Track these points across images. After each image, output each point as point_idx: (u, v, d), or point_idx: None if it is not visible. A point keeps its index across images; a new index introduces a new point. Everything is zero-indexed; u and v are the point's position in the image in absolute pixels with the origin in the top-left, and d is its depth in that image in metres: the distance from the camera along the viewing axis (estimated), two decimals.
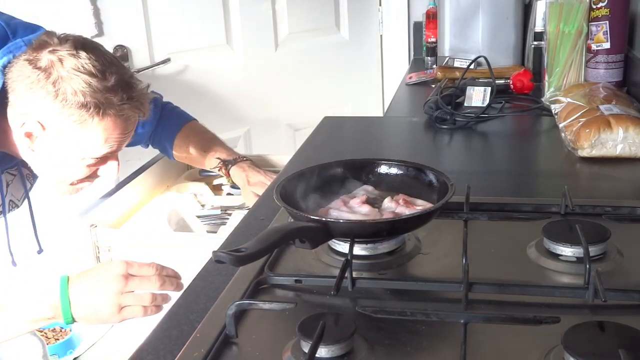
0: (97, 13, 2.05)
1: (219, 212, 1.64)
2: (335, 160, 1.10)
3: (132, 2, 2.15)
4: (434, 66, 2.34)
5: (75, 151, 1.12)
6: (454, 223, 1.01)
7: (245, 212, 1.40)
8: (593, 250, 0.89)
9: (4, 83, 1.10)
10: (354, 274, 0.87)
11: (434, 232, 1.00)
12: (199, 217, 1.62)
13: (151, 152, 1.77)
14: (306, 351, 0.69)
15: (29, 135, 1.11)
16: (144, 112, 1.15)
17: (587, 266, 0.82)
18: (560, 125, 1.51)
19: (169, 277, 1.07)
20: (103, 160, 1.17)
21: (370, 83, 2.96)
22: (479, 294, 0.83)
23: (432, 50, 2.49)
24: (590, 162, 1.38)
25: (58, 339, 1.72)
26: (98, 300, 1.03)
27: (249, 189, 1.56)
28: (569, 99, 1.58)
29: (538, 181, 1.38)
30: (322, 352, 0.70)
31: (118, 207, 1.60)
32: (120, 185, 1.66)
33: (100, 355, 1.67)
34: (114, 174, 1.21)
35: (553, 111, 1.65)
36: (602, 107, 1.45)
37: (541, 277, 0.89)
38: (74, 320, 1.05)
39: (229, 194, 1.73)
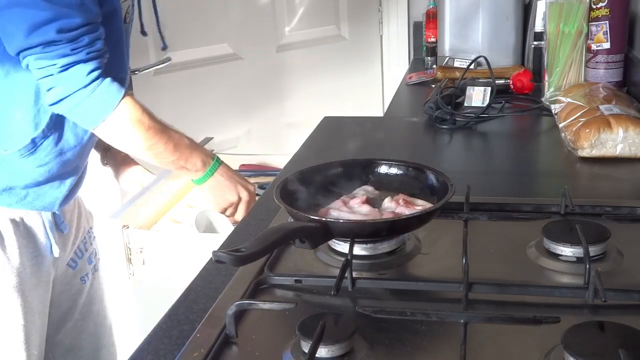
0: None
1: None
2: (335, 160, 1.10)
3: None
4: (434, 66, 2.34)
5: None
6: (454, 223, 1.01)
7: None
8: (593, 250, 0.89)
9: None
10: (354, 274, 0.87)
11: (434, 232, 1.00)
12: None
13: None
14: (306, 351, 0.69)
15: None
16: None
17: (587, 266, 0.82)
18: (560, 125, 1.51)
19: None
20: None
21: (370, 83, 2.96)
22: (479, 294, 0.83)
23: (432, 50, 2.49)
24: (590, 162, 1.38)
25: None
26: (227, 186, 1.36)
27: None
28: (569, 99, 1.58)
29: (538, 181, 1.38)
30: (322, 352, 0.70)
31: (148, 208, 1.59)
32: (150, 186, 1.63)
33: None
34: None
35: (553, 111, 1.65)
36: (602, 107, 1.45)
37: (541, 277, 0.89)
38: (201, 182, 1.34)
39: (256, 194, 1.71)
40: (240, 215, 1.40)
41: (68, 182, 1.31)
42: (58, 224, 1.34)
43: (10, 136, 1.20)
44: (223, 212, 1.41)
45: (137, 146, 1.24)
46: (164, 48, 1.49)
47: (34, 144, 1.20)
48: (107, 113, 1.17)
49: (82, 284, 1.44)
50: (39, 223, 1.29)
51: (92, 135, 1.26)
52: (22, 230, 1.27)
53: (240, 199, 1.38)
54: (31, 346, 1.27)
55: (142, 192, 1.55)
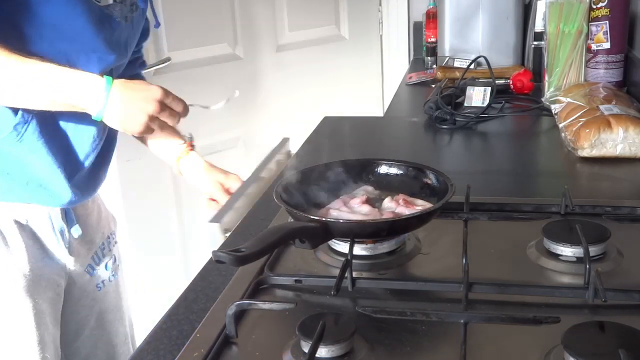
0: None
1: None
2: (335, 160, 1.10)
3: None
4: (434, 66, 2.34)
5: None
6: (454, 223, 1.01)
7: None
8: (593, 250, 0.89)
9: None
10: (354, 274, 0.87)
11: (434, 232, 1.00)
12: None
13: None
14: (306, 351, 0.69)
15: None
16: None
17: (587, 266, 0.82)
18: (560, 125, 1.51)
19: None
20: None
21: (370, 83, 2.96)
22: (479, 294, 0.83)
23: (432, 50, 2.49)
24: (590, 162, 1.38)
25: None
26: (130, 112, 1.10)
27: (214, 173, 1.46)
28: (569, 99, 1.58)
29: (538, 181, 1.38)
30: (322, 352, 0.70)
31: (245, 211, 1.52)
32: (244, 190, 1.56)
33: None
34: None
35: (553, 111, 1.65)
36: (602, 107, 1.45)
37: (541, 277, 0.89)
38: (101, 118, 1.10)
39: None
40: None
41: (76, 178, 1.24)
42: (69, 227, 1.28)
43: None
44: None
45: None
46: (157, 26, 1.40)
47: (17, 131, 1.13)
48: None
49: (97, 291, 1.39)
50: (46, 224, 1.24)
51: (85, 121, 1.18)
52: (28, 231, 1.22)
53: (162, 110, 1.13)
54: (45, 350, 1.24)
55: (237, 196, 1.41)
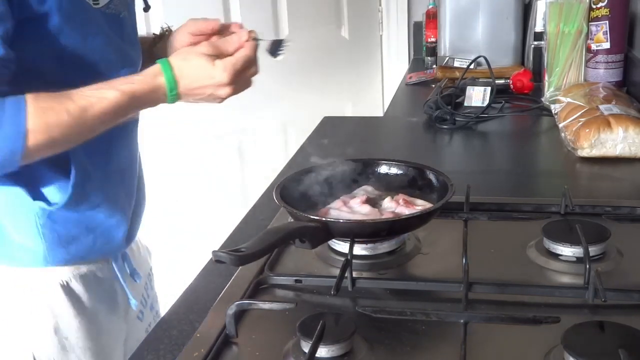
0: None
1: None
2: (335, 160, 1.09)
3: None
4: (434, 66, 2.34)
5: None
6: (454, 223, 1.01)
7: None
8: (593, 250, 0.89)
9: None
10: (354, 274, 0.87)
11: (434, 232, 1.00)
12: None
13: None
14: (306, 351, 0.69)
15: None
16: None
17: (587, 266, 0.82)
18: (560, 125, 1.51)
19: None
20: None
21: (370, 83, 2.96)
22: (479, 294, 0.83)
23: (432, 50, 2.49)
24: (590, 162, 1.38)
25: None
26: (198, 74, 0.99)
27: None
28: (569, 99, 1.58)
29: (538, 181, 1.38)
30: (322, 352, 0.70)
31: None
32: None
33: None
34: None
35: (553, 111, 1.65)
36: (602, 107, 1.45)
37: (541, 277, 0.89)
38: (178, 94, 0.99)
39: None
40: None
41: (129, 213, 1.11)
42: (131, 273, 1.14)
43: (50, 191, 0.99)
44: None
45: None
46: (147, 9, 1.25)
47: (76, 191, 0.99)
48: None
49: (144, 334, 1.16)
50: (109, 275, 1.10)
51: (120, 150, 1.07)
52: (95, 286, 1.07)
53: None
54: None
55: None
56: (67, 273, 1.05)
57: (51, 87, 0.91)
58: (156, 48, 1.23)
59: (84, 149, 0.97)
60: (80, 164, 0.99)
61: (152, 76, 0.96)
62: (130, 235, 1.13)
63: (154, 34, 1.29)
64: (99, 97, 0.91)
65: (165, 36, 1.24)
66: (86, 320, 1.06)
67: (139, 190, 1.17)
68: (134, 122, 1.12)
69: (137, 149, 1.16)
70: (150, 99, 0.97)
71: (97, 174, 1.03)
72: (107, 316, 1.10)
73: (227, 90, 1.01)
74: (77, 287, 1.06)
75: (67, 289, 1.05)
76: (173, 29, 1.25)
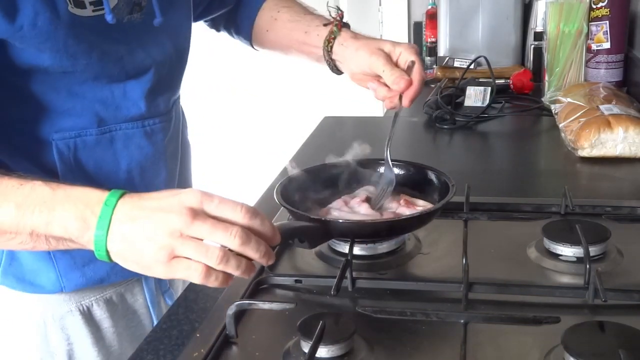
0: None
1: None
2: (335, 160, 1.09)
3: None
4: (434, 66, 2.34)
5: None
6: (454, 223, 1.01)
7: None
8: (593, 250, 0.89)
9: None
10: (354, 274, 0.87)
11: (434, 232, 1.00)
12: None
13: None
14: (306, 351, 0.69)
15: None
16: None
17: (587, 266, 0.82)
18: (560, 125, 1.51)
19: (260, 238, 0.69)
20: None
21: None
22: (479, 294, 0.83)
23: (432, 50, 2.49)
24: (590, 162, 1.38)
25: None
26: (145, 235, 0.67)
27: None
28: (569, 99, 1.58)
29: (538, 181, 1.38)
30: (322, 352, 0.70)
31: None
32: None
33: None
34: None
35: (553, 111, 1.65)
36: (602, 107, 1.45)
37: (541, 277, 0.89)
38: (108, 255, 0.70)
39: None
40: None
41: None
42: (164, 292, 1.07)
43: None
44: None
45: None
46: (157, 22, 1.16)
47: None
48: None
49: None
50: (139, 298, 1.05)
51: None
52: (121, 310, 1.04)
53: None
54: None
55: None
56: (88, 297, 1.00)
57: (35, 108, 0.85)
58: (332, 52, 1.10)
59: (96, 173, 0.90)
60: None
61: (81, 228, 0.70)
62: None
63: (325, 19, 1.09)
64: None
65: (336, 33, 1.08)
66: (105, 347, 1.02)
67: None
68: (162, 146, 1.00)
69: (173, 165, 1.05)
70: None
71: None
72: (131, 343, 1.03)
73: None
74: (99, 312, 1.01)
75: (86, 314, 1.00)
76: (345, 16, 1.08)
